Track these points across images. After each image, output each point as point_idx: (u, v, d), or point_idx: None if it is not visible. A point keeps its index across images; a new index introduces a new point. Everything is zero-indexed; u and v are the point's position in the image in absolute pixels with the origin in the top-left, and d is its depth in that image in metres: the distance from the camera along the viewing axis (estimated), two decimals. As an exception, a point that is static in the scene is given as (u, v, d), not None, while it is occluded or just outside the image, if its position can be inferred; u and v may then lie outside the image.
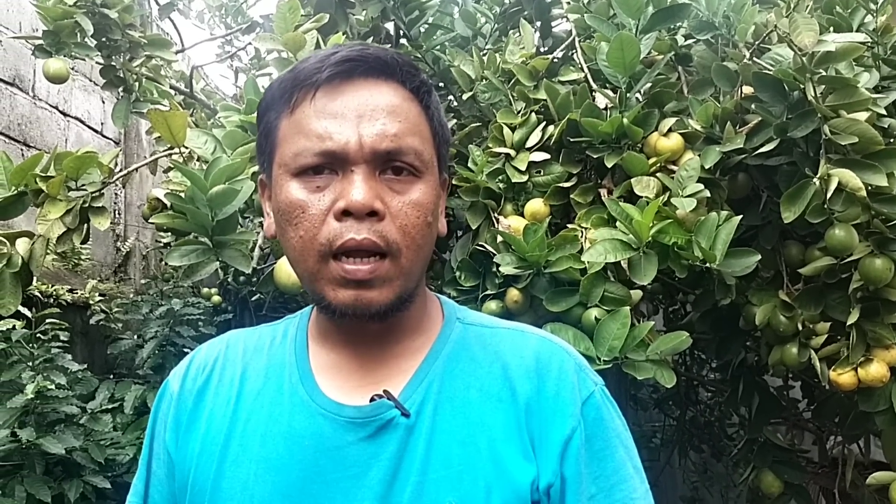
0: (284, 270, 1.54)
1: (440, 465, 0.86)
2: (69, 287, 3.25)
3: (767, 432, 2.25)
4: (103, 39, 2.22)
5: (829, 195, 1.53)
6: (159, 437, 1.00)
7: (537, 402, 0.89)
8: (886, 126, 1.72)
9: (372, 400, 0.89)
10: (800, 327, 1.80)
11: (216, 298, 3.94)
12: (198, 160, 1.76)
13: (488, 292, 1.84)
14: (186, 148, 1.65)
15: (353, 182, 0.83)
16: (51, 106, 3.62)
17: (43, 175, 1.71)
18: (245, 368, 0.98)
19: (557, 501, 0.87)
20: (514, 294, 1.78)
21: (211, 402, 0.97)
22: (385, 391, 0.89)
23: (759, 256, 1.64)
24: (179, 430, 0.97)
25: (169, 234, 3.24)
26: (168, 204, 1.75)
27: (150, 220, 1.72)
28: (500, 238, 1.79)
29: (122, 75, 2.30)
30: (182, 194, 1.47)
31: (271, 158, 0.91)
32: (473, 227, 1.88)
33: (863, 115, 1.59)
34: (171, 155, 1.79)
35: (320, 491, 0.86)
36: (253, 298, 4.02)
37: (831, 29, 1.77)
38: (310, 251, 0.85)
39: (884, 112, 1.66)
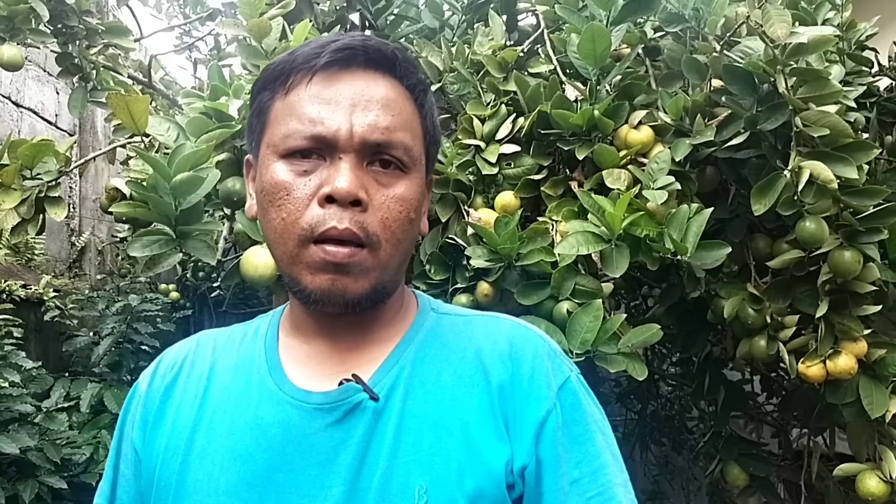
0: (251, 262, 1.49)
1: (410, 448, 0.84)
2: (22, 283, 3.16)
3: (734, 425, 2.27)
4: (59, 26, 2.15)
5: (800, 187, 1.54)
6: (127, 437, 0.98)
7: (511, 386, 0.88)
8: (853, 120, 1.74)
9: (340, 384, 0.87)
10: (768, 320, 1.80)
11: (174, 294, 3.88)
12: (157, 150, 1.71)
13: (458, 286, 1.81)
14: (147, 136, 1.60)
15: (339, 169, 0.82)
16: (3, 96, 3.51)
17: (-4, 163, 1.65)
18: (213, 364, 0.97)
19: (532, 483, 0.85)
20: (484, 287, 1.75)
21: (178, 398, 0.95)
22: (354, 375, 0.87)
23: (730, 249, 1.64)
24: (146, 428, 0.96)
25: (127, 226, 3.16)
26: (128, 194, 1.69)
27: (109, 210, 1.66)
28: (470, 231, 1.77)
29: (78, 63, 2.23)
30: (144, 183, 1.42)
31: (260, 138, 0.90)
32: (443, 220, 1.85)
33: (832, 108, 1.59)
34: (130, 143, 1.74)
35: (287, 479, 0.84)
36: (212, 295, 3.97)
37: (796, 24, 1.78)
38: (291, 234, 0.84)
39: (853, 105, 1.67)
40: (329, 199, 0.81)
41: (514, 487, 0.85)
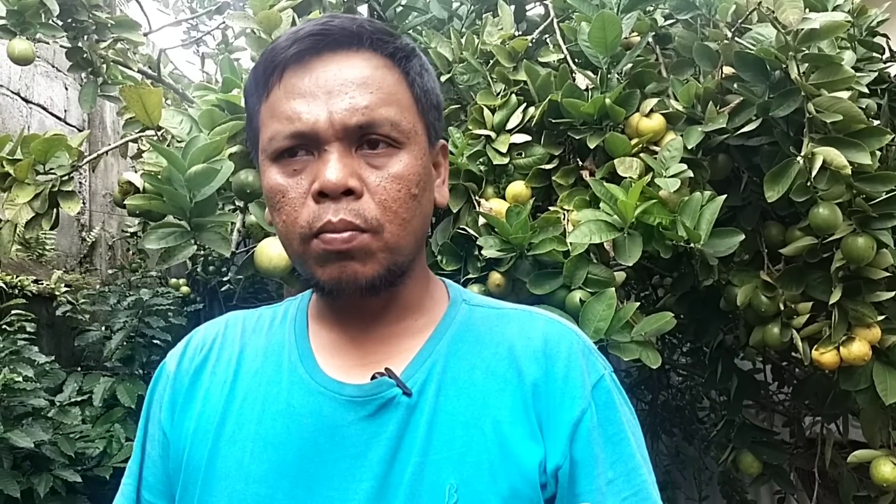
0: (265, 254, 1.50)
1: (442, 446, 0.84)
2: (34, 278, 3.17)
3: (745, 414, 2.26)
4: (69, 20, 2.15)
5: (813, 174, 1.53)
6: (154, 417, 0.98)
7: (545, 384, 0.87)
8: (864, 106, 1.73)
9: (373, 378, 0.86)
10: (781, 307, 1.80)
11: (185, 289, 3.89)
12: (169, 143, 1.71)
13: (470, 276, 1.81)
14: (160, 129, 1.60)
15: (327, 162, 0.81)
16: (12, 92, 3.52)
17: (10, 158, 1.65)
18: (243, 348, 0.96)
19: (566, 484, 0.84)
20: (496, 278, 1.75)
21: (207, 381, 0.95)
22: (387, 369, 0.87)
23: (743, 236, 1.64)
24: (175, 410, 0.95)
25: (139, 220, 3.17)
26: (141, 188, 1.70)
27: (123, 204, 1.66)
28: (481, 221, 1.77)
29: (88, 57, 2.23)
30: (158, 175, 1.42)
31: (257, 146, 0.89)
32: (454, 211, 1.85)
33: (845, 94, 1.58)
34: (143, 136, 1.74)
35: (318, 470, 0.84)
36: (222, 289, 3.98)
37: (807, 10, 1.77)
38: (293, 234, 0.83)
39: (865, 90, 1.66)
40: (321, 194, 0.80)
41: (546, 487, 0.84)
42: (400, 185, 0.83)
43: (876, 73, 1.89)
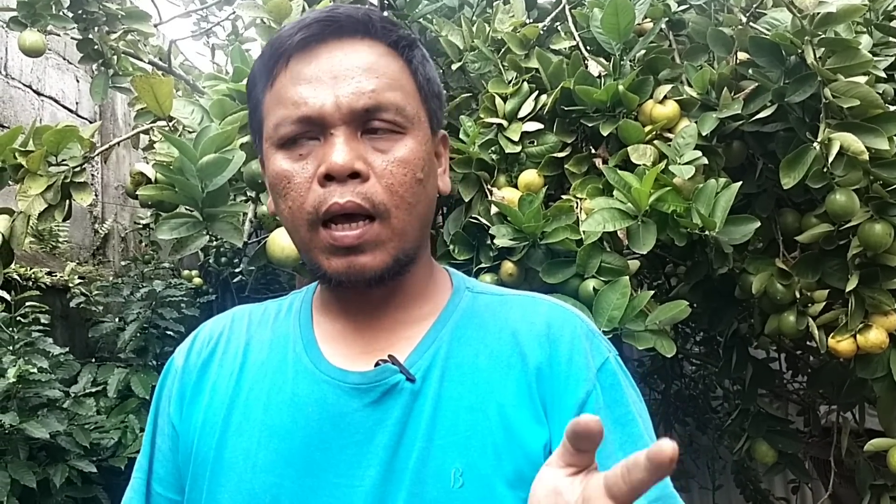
0: (277, 243, 1.50)
1: (446, 431, 0.84)
2: (48, 270, 3.18)
3: (760, 403, 2.25)
4: (80, 11, 2.15)
5: (830, 160, 1.51)
6: (163, 411, 0.98)
7: (549, 368, 0.87)
8: (881, 91, 1.71)
9: (376, 365, 0.86)
10: (797, 295, 1.79)
11: (197, 280, 3.90)
12: (180, 134, 1.71)
13: (482, 265, 1.81)
14: (172, 119, 1.60)
15: (333, 145, 0.81)
16: (24, 85, 3.53)
17: (22, 150, 1.65)
18: (249, 341, 0.97)
19: None
20: (508, 267, 1.75)
21: (215, 373, 0.95)
22: (390, 356, 0.86)
23: (759, 223, 1.62)
24: (183, 403, 0.96)
25: (151, 211, 3.17)
26: (153, 178, 1.70)
27: (135, 195, 1.66)
28: (494, 210, 1.76)
29: (99, 49, 2.23)
30: (170, 166, 1.42)
31: (261, 135, 0.90)
32: (466, 200, 1.84)
33: (862, 79, 1.57)
34: (154, 127, 1.74)
35: (324, 458, 0.84)
36: (234, 280, 3.98)
37: (823, -6, 1.75)
38: (299, 220, 0.83)
39: (883, 75, 1.64)
40: (328, 177, 0.80)
41: None
42: (406, 169, 0.83)
43: (892, 58, 1.87)
